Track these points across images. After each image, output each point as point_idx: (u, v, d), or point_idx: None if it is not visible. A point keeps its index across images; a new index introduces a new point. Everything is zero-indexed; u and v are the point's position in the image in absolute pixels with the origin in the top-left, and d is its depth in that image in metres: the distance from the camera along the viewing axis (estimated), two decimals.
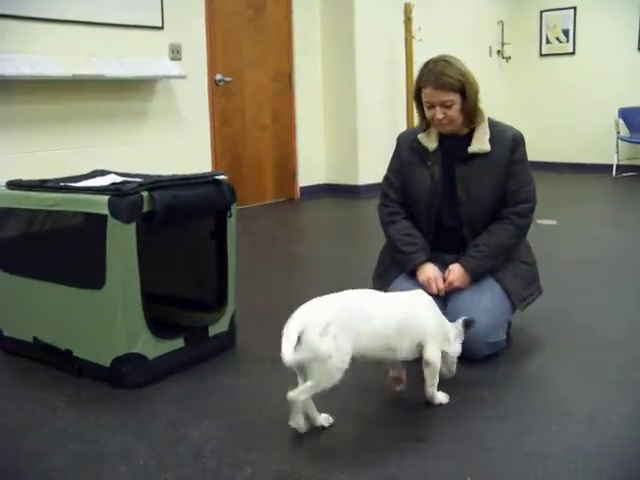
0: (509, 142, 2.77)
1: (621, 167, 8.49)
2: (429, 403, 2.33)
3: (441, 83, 2.64)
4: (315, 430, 2.16)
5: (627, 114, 8.50)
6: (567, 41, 9.10)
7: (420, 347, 2.30)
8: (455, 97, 2.66)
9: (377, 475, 1.93)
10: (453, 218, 2.81)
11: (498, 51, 9.27)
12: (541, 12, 9.24)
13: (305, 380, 2.09)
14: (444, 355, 2.36)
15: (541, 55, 9.37)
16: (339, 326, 2.07)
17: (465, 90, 2.67)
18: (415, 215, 2.88)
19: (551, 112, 9.21)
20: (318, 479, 1.91)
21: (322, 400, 2.14)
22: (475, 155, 2.76)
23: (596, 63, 8.79)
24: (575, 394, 2.43)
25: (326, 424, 2.19)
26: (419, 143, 2.84)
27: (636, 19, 8.46)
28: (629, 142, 8.46)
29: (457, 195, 2.78)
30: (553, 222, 5.49)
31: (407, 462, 1.98)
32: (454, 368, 2.44)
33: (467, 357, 2.66)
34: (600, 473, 1.92)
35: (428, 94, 2.69)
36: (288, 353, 2.00)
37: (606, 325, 3.13)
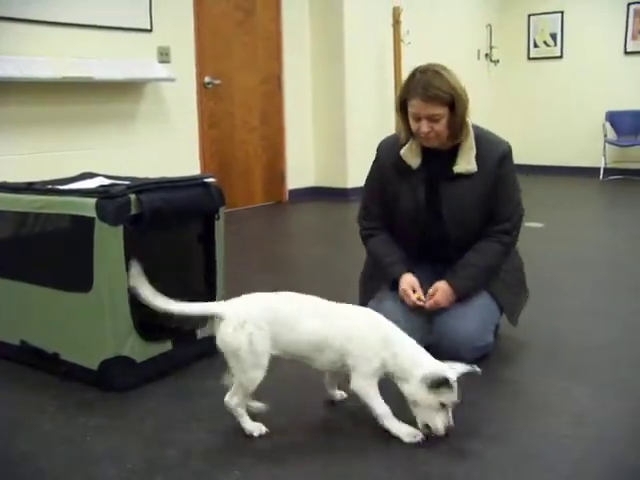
0: (496, 160, 2.65)
1: (608, 170, 8.54)
2: None
3: (430, 95, 2.50)
4: (304, 434, 2.16)
5: (614, 117, 8.56)
6: (555, 45, 9.16)
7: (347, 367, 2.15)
8: (443, 111, 2.52)
9: (366, 477, 1.93)
10: (437, 236, 2.74)
11: (486, 54, 9.31)
12: (529, 16, 9.29)
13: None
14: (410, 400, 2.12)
15: (529, 59, 9.42)
16: (258, 325, 2.08)
17: (454, 104, 2.53)
18: (398, 232, 2.81)
19: (539, 115, 9.26)
20: None
21: (313, 403, 2.14)
22: (461, 174, 2.66)
23: (583, 67, 8.84)
24: (563, 395, 2.44)
25: (261, 410, 2.22)
26: (402, 160, 2.71)
27: (622, 23, 8.53)
28: (616, 145, 8.52)
29: (442, 215, 2.70)
30: (540, 225, 5.51)
31: (396, 464, 1.99)
32: (434, 422, 2.06)
33: (455, 360, 2.67)
34: (588, 473, 1.93)
35: (415, 106, 2.55)
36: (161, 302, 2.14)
37: (593, 327, 3.15)
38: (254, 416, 2.19)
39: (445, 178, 2.68)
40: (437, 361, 2.12)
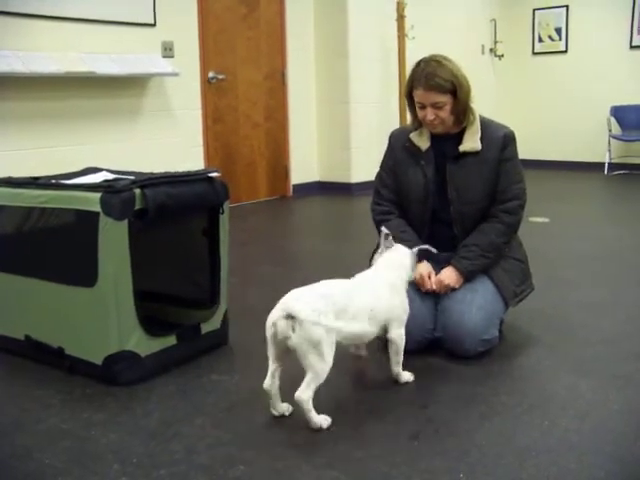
0: (500, 140, 2.76)
1: (613, 165, 8.52)
2: (425, 403, 2.33)
3: (432, 85, 2.63)
4: (305, 429, 2.15)
5: (619, 112, 8.53)
6: (559, 39, 9.13)
7: (385, 328, 2.45)
8: (446, 98, 2.65)
9: (370, 472, 1.93)
10: (445, 216, 2.82)
11: (491, 49, 9.29)
12: (534, 10, 9.26)
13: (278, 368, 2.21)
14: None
15: (533, 53, 9.40)
16: (328, 317, 2.16)
17: (456, 91, 2.65)
18: (408, 213, 2.88)
19: (543, 110, 9.24)
20: (311, 476, 1.91)
21: (316, 397, 2.14)
22: (466, 154, 2.76)
23: (588, 61, 8.82)
24: (568, 389, 2.43)
25: (287, 413, 2.26)
26: (412, 142, 2.84)
27: (628, 17, 8.49)
28: (621, 140, 8.50)
29: (448, 194, 2.78)
30: (546, 220, 5.50)
31: (400, 459, 1.99)
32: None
33: (460, 354, 2.67)
34: (593, 468, 1.92)
35: (419, 95, 2.68)
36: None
37: (599, 321, 3.14)
38: (280, 416, 2.24)
39: (451, 158, 2.78)
40: None
